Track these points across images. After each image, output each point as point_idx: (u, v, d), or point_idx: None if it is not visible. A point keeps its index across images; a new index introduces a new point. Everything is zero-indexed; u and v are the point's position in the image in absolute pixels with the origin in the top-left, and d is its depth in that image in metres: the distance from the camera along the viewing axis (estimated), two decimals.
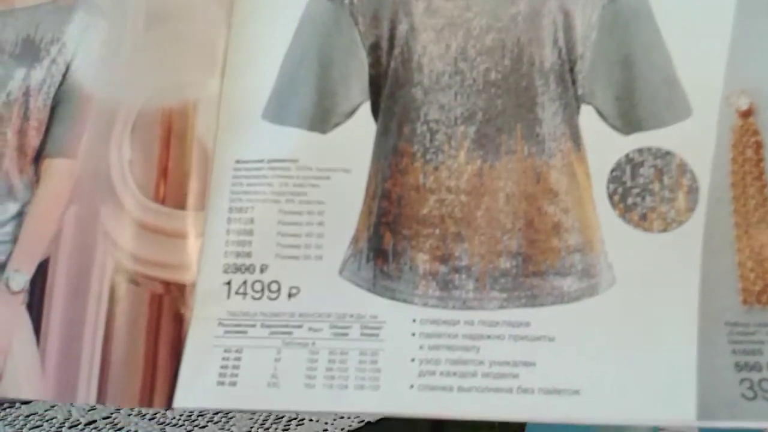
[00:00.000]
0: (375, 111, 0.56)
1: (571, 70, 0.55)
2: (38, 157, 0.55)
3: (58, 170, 0.55)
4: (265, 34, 0.58)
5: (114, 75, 0.56)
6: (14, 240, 0.53)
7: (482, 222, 0.53)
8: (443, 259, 0.52)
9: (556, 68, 0.55)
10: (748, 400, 0.47)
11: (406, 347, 0.51)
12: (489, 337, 0.50)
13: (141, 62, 0.56)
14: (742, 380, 0.48)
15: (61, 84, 0.56)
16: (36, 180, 0.55)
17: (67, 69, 0.56)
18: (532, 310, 0.51)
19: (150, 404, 0.51)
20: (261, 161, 0.55)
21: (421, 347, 0.50)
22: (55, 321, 0.52)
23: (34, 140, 0.55)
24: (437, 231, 0.53)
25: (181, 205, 0.54)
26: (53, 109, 0.56)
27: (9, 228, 0.54)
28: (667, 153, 0.53)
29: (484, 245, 0.52)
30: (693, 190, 0.52)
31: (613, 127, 0.54)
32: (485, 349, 0.50)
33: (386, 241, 0.53)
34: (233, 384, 0.50)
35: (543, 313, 0.50)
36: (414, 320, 0.51)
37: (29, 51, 0.56)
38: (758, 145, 0.52)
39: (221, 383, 0.50)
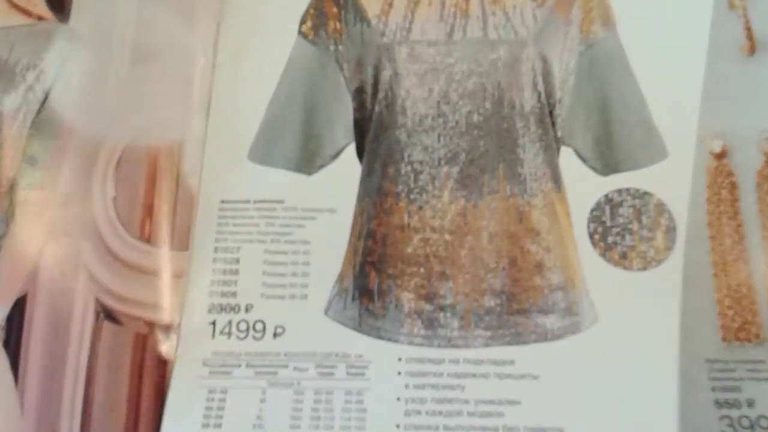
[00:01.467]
0: (360, 153, 0.57)
1: (551, 113, 0.56)
2: (13, 188, 0.55)
3: (36, 203, 0.54)
4: (249, 76, 0.59)
5: (97, 108, 0.56)
6: None
7: (466, 261, 0.53)
8: (428, 298, 0.53)
9: (536, 111, 0.56)
10: None
11: (392, 386, 0.51)
12: (474, 375, 0.51)
13: (126, 97, 0.57)
14: (722, 417, 0.48)
15: (38, 112, 0.55)
16: (12, 212, 0.54)
17: (46, 98, 0.56)
18: (516, 348, 0.51)
19: None
20: (247, 201, 0.55)
21: (407, 386, 0.50)
22: (34, 360, 0.51)
23: (8, 170, 0.55)
24: (422, 270, 0.53)
25: (166, 244, 0.54)
26: (30, 139, 0.55)
27: None
28: (645, 193, 0.54)
29: (468, 284, 0.53)
30: (671, 230, 0.53)
31: (593, 168, 0.55)
32: (470, 387, 0.50)
33: (371, 280, 0.54)
34: (218, 426, 0.50)
35: (527, 351, 0.51)
36: (400, 359, 0.51)
37: (2, 74, 0.56)
38: (733, 186, 0.54)
39: (206, 425, 0.50)
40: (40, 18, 0.57)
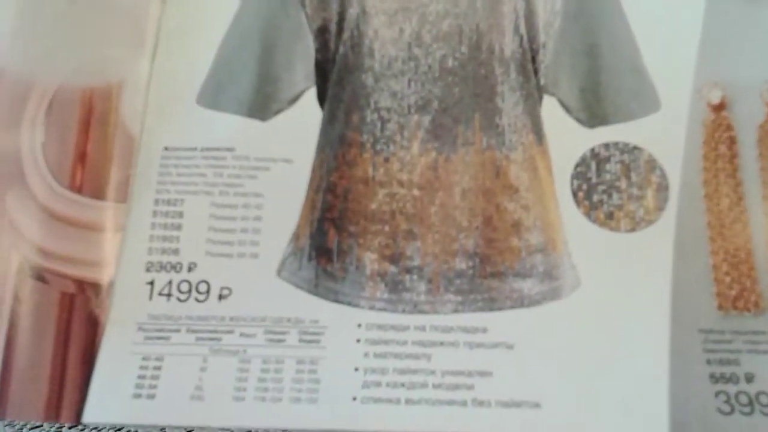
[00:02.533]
0: (321, 98, 0.51)
1: (533, 59, 0.51)
2: None
3: None
4: (201, 12, 0.53)
5: (29, 48, 0.50)
6: None
7: (436, 219, 0.48)
8: (393, 259, 0.47)
9: (517, 57, 0.50)
10: (725, 415, 0.43)
11: (350, 355, 0.45)
12: (442, 344, 0.45)
13: (61, 36, 0.51)
14: (718, 393, 0.43)
15: None
16: None
17: None
18: (489, 314, 0.46)
19: (57, 418, 0.44)
20: (193, 149, 0.50)
21: (366, 355, 0.45)
22: None
23: None
24: (387, 228, 0.48)
25: (100, 194, 0.48)
26: None
27: None
28: (635, 148, 0.49)
29: (438, 244, 0.47)
30: (662, 188, 0.48)
31: (578, 120, 0.50)
32: (437, 357, 0.45)
33: (330, 239, 0.48)
34: (151, 396, 0.44)
35: (501, 317, 0.46)
36: (359, 325, 0.46)
37: None
38: (731, 141, 0.48)
39: (138, 395, 0.44)
40: None
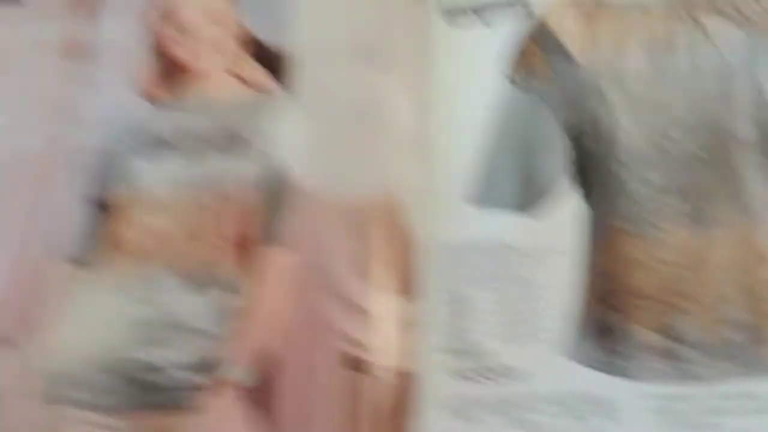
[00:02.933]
0: (583, 191, 0.57)
1: None
2: (256, 249, 0.56)
3: (278, 262, 0.56)
4: (458, 121, 0.60)
5: (324, 167, 0.58)
6: (238, 334, 0.54)
7: (700, 293, 0.53)
8: (666, 332, 0.52)
9: (756, 141, 0.55)
10: None
11: (643, 425, 0.51)
12: (729, 411, 0.50)
13: (348, 154, 0.58)
14: None
15: (270, 176, 0.57)
16: (256, 272, 0.55)
17: (275, 162, 0.57)
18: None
19: None
20: (472, 245, 0.56)
21: (657, 424, 0.50)
22: (287, 417, 0.53)
23: (250, 232, 0.56)
24: (655, 304, 0.53)
25: (401, 292, 0.55)
26: (265, 202, 0.57)
27: (228, 321, 0.55)
28: None
29: (706, 316, 0.52)
30: None
31: None
32: (726, 424, 0.50)
33: (608, 319, 0.54)
34: None
35: None
36: (645, 396, 0.51)
37: (233, 143, 0.58)
38: None
39: None
40: (263, 89, 0.60)
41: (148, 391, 0.52)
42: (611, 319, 0.54)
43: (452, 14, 0.64)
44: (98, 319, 0.54)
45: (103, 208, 0.57)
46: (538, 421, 0.52)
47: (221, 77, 0.59)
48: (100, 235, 0.56)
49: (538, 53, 0.60)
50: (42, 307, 0.54)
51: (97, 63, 0.60)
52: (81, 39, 0.60)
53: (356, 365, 0.54)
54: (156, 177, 0.57)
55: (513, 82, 0.60)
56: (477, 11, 0.63)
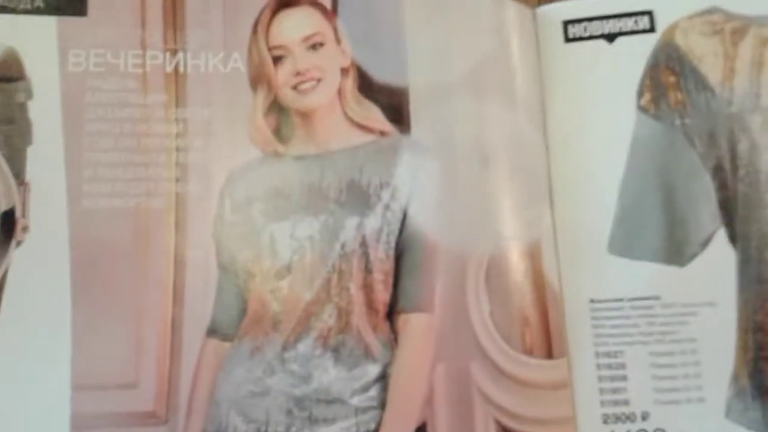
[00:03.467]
0: (731, 237, 0.54)
1: None
2: (391, 313, 0.52)
3: (417, 326, 0.52)
4: (586, 157, 0.56)
5: (455, 219, 0.53)
6: (381, 405, 0.51)
7: None
8: None
9: None
10: None
11: None
12: None
13: (479, 203, 0.53)
14: None
15: (400, 232, 0.52)
16: (394, 338, 0.51)
17: (404, 216, 0.53)
18: None
19: None
20: (620, 300, 0.53)
21: None
22: None
23: (382, 295, 0.52)
24: None
25: (547, 353, 0.51)
26: (398, 260, 0.52)
27: (373, 392, 0.51)
28: None
29: None
30: None
31: None
32: None
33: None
34: None
35: None
36: None
37: (357, 197, 0.53)
38: None
39: None
40: (381, 133, 0.54)
41: None
42: None
43: (571, 29, 0.58)
44: (254, 396, 0.50)
45: (234, 276, 0.51)
46: None
47: (337, 122, 0.53)
48: (236, 305, 0.51)
49: (670, 78, 0.56)
50: (190, 382, 0.50)
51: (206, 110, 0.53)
52: (170, 70, 0.53)
53: None
54: (279, 236, 0.52)
55: (645, 110, 0.56)
56: (600, 26, 0.58)
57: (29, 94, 0.52)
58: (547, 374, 0.52)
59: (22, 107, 0.52)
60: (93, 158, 0.53)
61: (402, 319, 0.52)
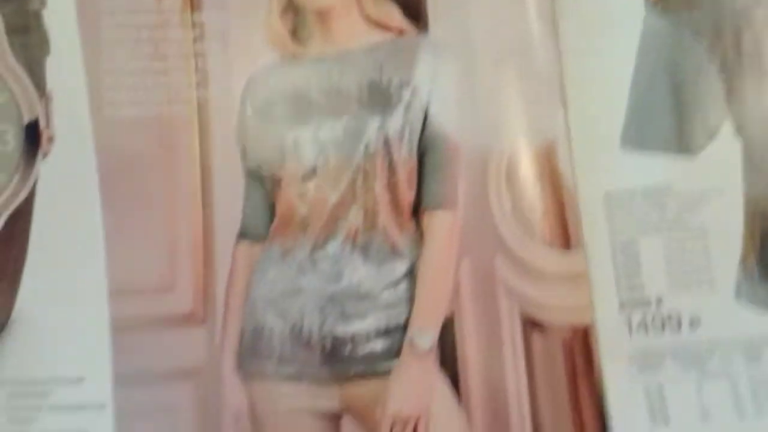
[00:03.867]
0: (738, 128, 0.56)
1: None
2: (416, 211, 0.54)
3: (442, 223, 0.53)
4: (599, 58, 0.57)
5: (475, 118, 0.54)
6: (410, 299, 0.53)
7: None
8: None
9: None
10: None
11: None
12: None
13: (497, 103, 0.55)
14: None
15: (422, 131, 0.54)
16: (419, 235, 0.53)
17: (426, 115, 0.54)
18: None
19: None
20: (633, 191, 0.55)
21: None
22: (474, 379, 0.52)
23: (407, 194, 0.53)
24: None
25: (566, 245, 0.54)
26: (421, 159, 0.54)
27: (402, 287, 0.53)
28: None
29: None
30: None
31: None
32: None
33: None
34: (665, 421, 0.52)
35: None
36: None
37: (378, 97, 0.54)
38: None
39: (653, 420, 0.52)
40: (400, 32, 0.54)
41: (347, 362, 0.51)
42: None
43: None
44: (288, 295, 0.52)
45: (261, 180, 0.52)
46: (716, 364, 0.53)
47: (355, 21, 0.54)
48: (265, 208, 0.52)
49: None
50: (225, 284, 0.52)
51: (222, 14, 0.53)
52: None
53: (536, 324, 0.53)
54: (302, 139, 0.53)
55: (653, 5, 0.57)
56: None
57: (43, 1, 0.51)
58: (566, 264, 0.54)
59: (37, 15, 0.51)
60: (112, 66, 0.52)
61: (427, 217, 0.53)
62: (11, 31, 0.50)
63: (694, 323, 0.54)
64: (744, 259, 0.54)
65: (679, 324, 0.54)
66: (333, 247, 0.52)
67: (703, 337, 0.54)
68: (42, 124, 0.50)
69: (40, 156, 0.50)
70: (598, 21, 0.58)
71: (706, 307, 0.54)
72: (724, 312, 0.54)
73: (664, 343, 0.54)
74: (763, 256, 0.54)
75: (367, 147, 0.53)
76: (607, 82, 0.57)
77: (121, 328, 0.50)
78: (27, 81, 0.50)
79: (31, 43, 0.50)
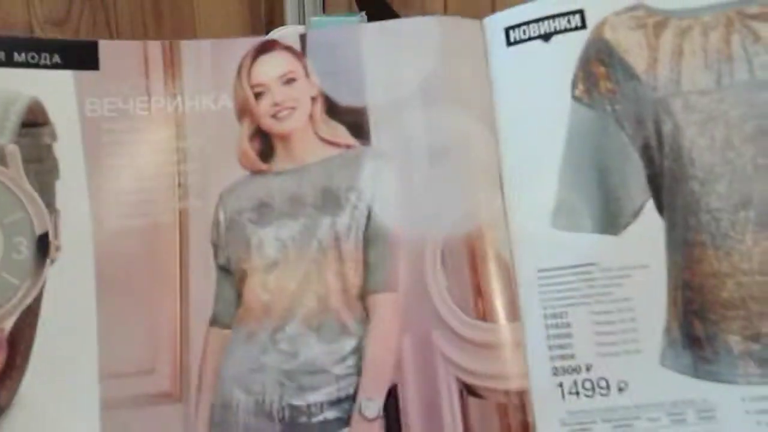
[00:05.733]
0: (659, 207, 0.61)
1: None
2: (362, 294, 0.61)
3: (385, 304, 0.61)
4: (532, 146, 0.64)
5: (412, 212, 0.63)
6: (358, 372, 0.60)
7: None
8: (754, 338, 0.57)
9: None
10: None
11: (743, 426, 0.56)
12: None
13: (432, 196, 0.63)
14: None
15: (366, 227, 0.62)
16: (366, 315, 0.61)
17: (369, 212, 0.62)
18: None
19: None
20: (563, 268, 0.61)
21: (758, 423, 0.56)
22: None
23: (354, 279, 0.62)
24: (742, 312, 0.58)
25: (497, 318, 0.60)
26: (366, 250, 0.62)
27: (351, 362, 0.60)
28: None
29: None
30: None
31: None
32: None
33: (697, 328, 0.59)
34: None
35: None
36: (743, 399, 0.57)
37: (330, 201, 0.63)
38: None
39: None
40: (347, 146, 0.64)
41: (304, 430, 0.59)
42: (701, 328, 0.58)
43: (512, 34, 0.67)
44: (252, 372, 0.61)
45: (228, 273, 0.61)
46: (643, 426, 0.57)
47: (310, 141, 0.64)
48: (233, 298, 0.62)
49: (600, 69, 0.64)
50: (198, 365, 0.61)
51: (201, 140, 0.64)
52: (171, 111, 0.64)
53: (473, 391, 0.59)
54: (266, 238, 0.62)
55: (579, 100, 0.64)
56: (537, 28, 0.66)
57: (54, 136, 0.63)
58: (500, 336, 0.60)
59: (49, 148, 0.63)
60: (111, 187, 0.64)
61: (372, 299, 0.61)
62: (27, 160, 0.61)
63: (622, 388, 0.58)
64: (668, 329, 0.59)
65: (608, 388, 0.58)
66: (291, 329, 0.61)
67: (631, 400, 0.58)
68: (51, 235, 0.61)
69: (48, 262, 0.61)
70: (530, 114, 0.65)
71: (633, 373, 0.59)
72: (650, 377, 0.58)
73: (594, 406, 0.58)
74: (685, 325, 0.59)
75: (320, 242, 0.62)
76: (539, 169, 0.64)
77: (109, 407, 0.59)
78: (39, 201, 0.61)
79: (43, 170, 0.62)
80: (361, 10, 1.16)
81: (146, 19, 1.05)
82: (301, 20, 1.20)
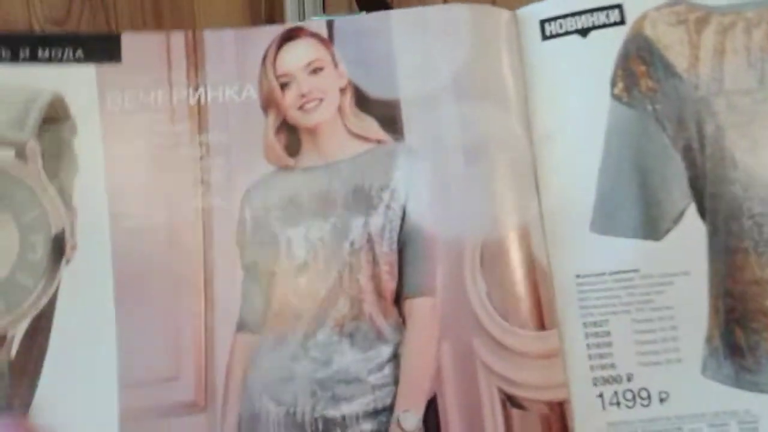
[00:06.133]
0: (701, 212, 0.59)
1: None
2: (398, 299, 0.59)
3: (422, 309, 0.59)
4: (569, 147, 0.62)
5: (448, 213, 0.60)
6: (395, 381, 0.58)
7: None
8: None
9: None
10: None
11: None
12: None
13: (469, 197, 0.60)
14: None
15: (401, 228, 0.59)
16: (402, 321, 0.58)
17: (404, 212, 0.60)
18: None
19: None
20: (602, 274, 0.59)
21: None
22: None
23: (389, 283, 0.59)
24: None
25: (540, 325, 0.58)
26: (400, 252, 0.59)
27: (387, 370, 0.58)
28: None
29: None
30: None
31: None
32: None
33: (738, 337, 0.58)
34: None
35: None
36: None
37: (362, 200, 0.60)
38: None
39: None
40: (379, 142, 0.61)
41: None
42: (743, 337, 0.57)
43: (548, 27, 0.64)
44: (282, 381, 0.58)
45: (257, 276, 0.58)
46: None
47: (340, 135, 0.61)
48: (260, 302, 0.58)
49: (641, 67, 0.62)
50: (224, 373, 0.58)
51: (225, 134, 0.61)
52: (193, 103, 0.60)
53: (516, 403, 0.57)
54: (295, 238, 0.59)
55: (618, 99, 0.62)
56: (574, 22, 0.64)
57: (74, 131, 0.59)
58: (541, 344, 0.58)
59: (69, 143, 0.59)
60: (130, 182, 0.60)
61: (408, 304, 0.59)
62: (46, 156, 0.58)
63: (663, 398, 0.57)
64: (709, 338, 0.58)
65: (649, 399, 0.57)
66: (323, 335, 0.58)
67: (672, 411, 0.57)
68: (67, 234, 0.57)
69: (63, 262, 0.57)
70: (567, 113, 0.63)
71: (675, 383, 0.57)
72: (692, 388, 0.57)
73: (635, 417, 0.57)
74: (726, 334, 0.57)
75: (352, 244, 0.59)
76: (576, 171, 0.62)
77: (129, 418, 0.56)
78: (58, 199, 0.57)
79: (62, 166, 0.58)
80: (361, 9, 1.13)
81: (146, 19, 1.02)
82: (301, 20, 1.16)
